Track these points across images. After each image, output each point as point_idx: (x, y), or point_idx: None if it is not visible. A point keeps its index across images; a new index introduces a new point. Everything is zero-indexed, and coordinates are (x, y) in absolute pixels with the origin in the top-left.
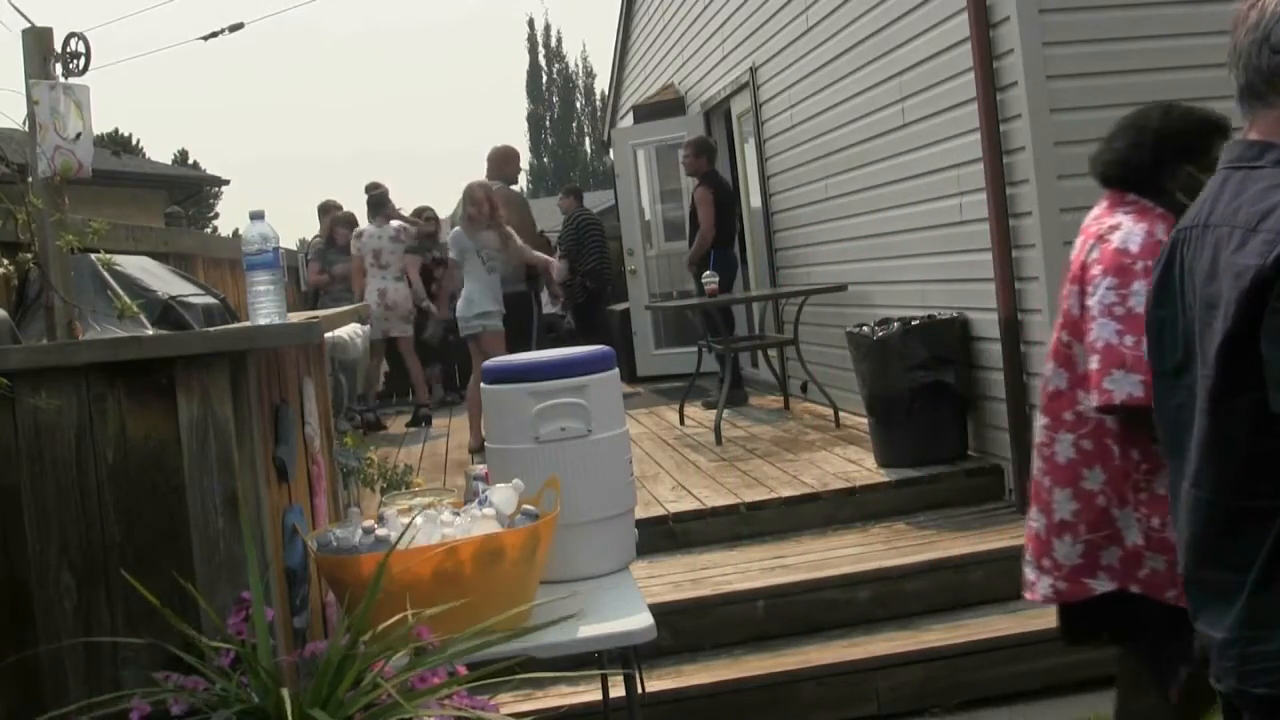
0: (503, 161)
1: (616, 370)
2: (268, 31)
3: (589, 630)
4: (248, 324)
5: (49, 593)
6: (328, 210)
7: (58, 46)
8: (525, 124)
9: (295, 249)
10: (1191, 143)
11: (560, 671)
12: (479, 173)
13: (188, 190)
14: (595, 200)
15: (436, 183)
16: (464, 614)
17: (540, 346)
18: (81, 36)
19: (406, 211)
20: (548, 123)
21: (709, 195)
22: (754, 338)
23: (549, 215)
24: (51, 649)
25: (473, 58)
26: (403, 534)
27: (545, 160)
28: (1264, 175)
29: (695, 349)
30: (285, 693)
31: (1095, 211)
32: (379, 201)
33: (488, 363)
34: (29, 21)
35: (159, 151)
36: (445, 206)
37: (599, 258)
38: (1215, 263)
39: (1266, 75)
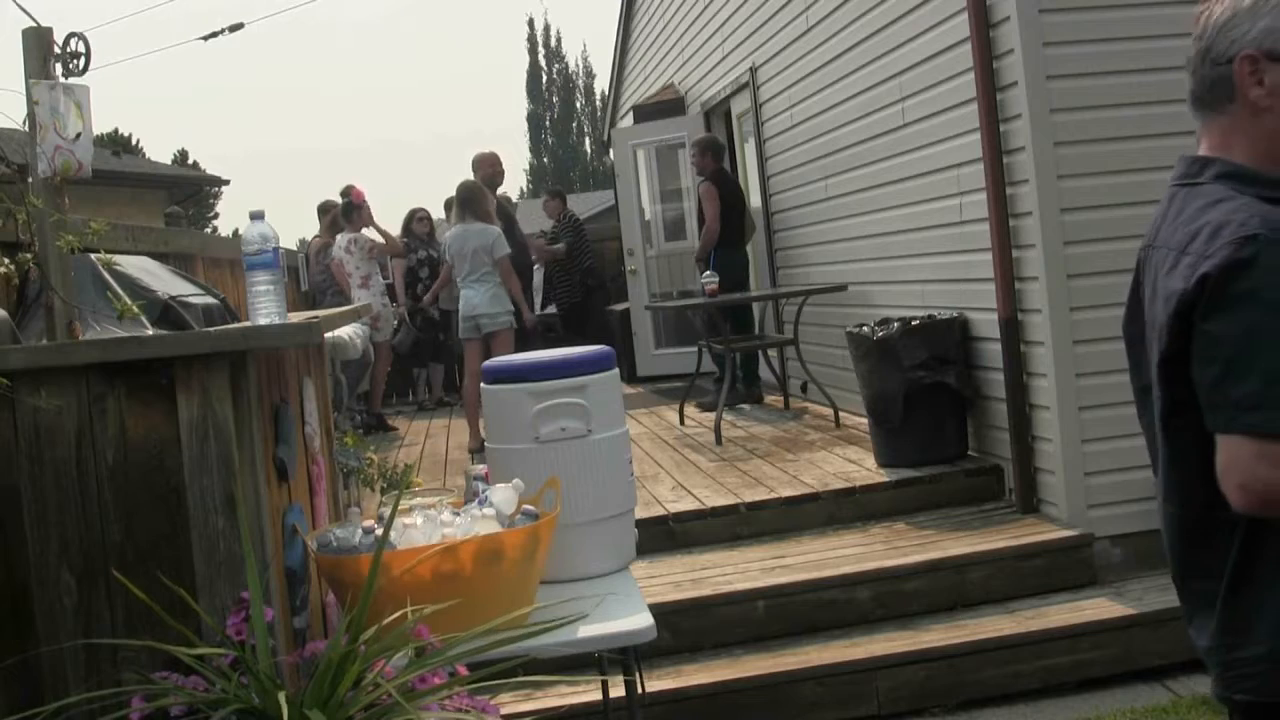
0: (481, 166)
1: (616, 370)
2: (267, 30)
3: (589, 630)
4: (248, 324)
5: (49, 593)
6: (327, 210)
7: (58, 46)
8: (525, 124)
9: (295, 249)
10: None
11: (560, 672)
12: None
13: (188, 190)
14: (595, 200)
15: (435, 180)
16: (464, 614)
17: (539, 346)
18: (81, 36)
19: (402, 212)
20: (548, 123)
21: (713, 190)
22: (754, 338)
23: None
24: (51, 649)
25: (473, 55)
26: (388, 530)
27: (545, 160)
28: (1203, 192)
29: (695, 349)
30: (282, 695)
31: None
32: (344, 211)
33: (488, 362)
34: (32, 19)
35: (159, 151)
36: (442, 203)
37: (593, 258)
38: (1155, 285)
39: (1209, 86)
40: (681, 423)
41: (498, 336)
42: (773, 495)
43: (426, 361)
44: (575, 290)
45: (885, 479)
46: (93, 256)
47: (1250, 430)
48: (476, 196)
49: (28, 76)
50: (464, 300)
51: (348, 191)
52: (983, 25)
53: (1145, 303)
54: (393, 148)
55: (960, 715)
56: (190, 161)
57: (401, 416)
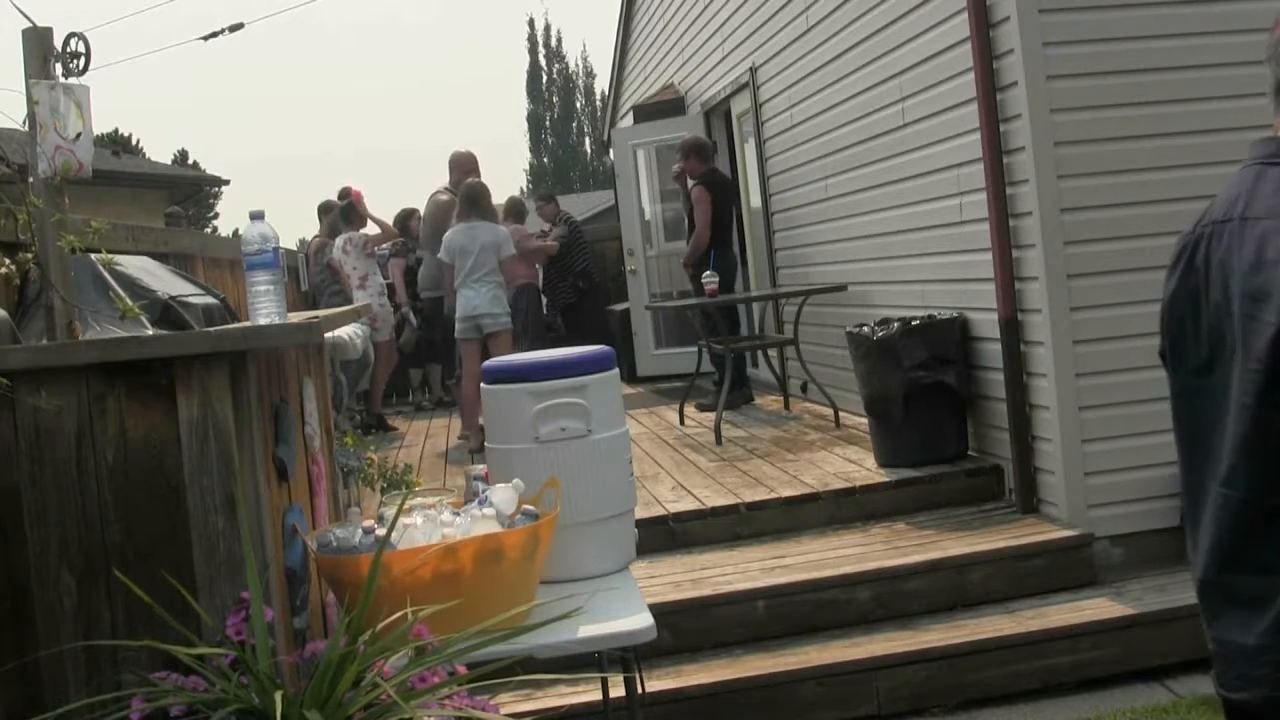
0: (460, 166)
1: (616, 370)
2: (267, 31)
3: (589, 630)
4: (248, 324)
5: (49, 593)
6: (328, 210)
7: (58, 46)
8: (525, 124)
9: (295, 249)
10: None
11: (560, 671)
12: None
13: (188, 190)
14: (595, 200)
15: (436, 181)
16: (464, 614)
17: (540, 346)
18: (81, 36)
19: (393, 212)
20: (548, 123)
21: (705, 195)
22: (754, 338)
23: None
24: (52, 651)
25: (473, 56)
26: (391, 530)
27: (545, 160)
28: None
29: (695, 349)
30: (279, 695)
31: None
32: (343, 214)
33: (488, 363)
34: (30, 21)
35: (159, 151)
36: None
37: (588, 259)
38: (1261, 255)
39: None
40: (681, 423)
41: (497, 337)
42: (773, 495)
43: (424, 362)
44: (570, 292)
45: (885, 479)
46: (93, 256)
47: None
48: (483, 195)
49: (28, 76)
50: (463, 300)
51: (346, 193)
52: (983, 25)
53: (1221, 276)
54: (393, 150)
55: (960, 715)
56: (190, 162)
57: (401, 416)
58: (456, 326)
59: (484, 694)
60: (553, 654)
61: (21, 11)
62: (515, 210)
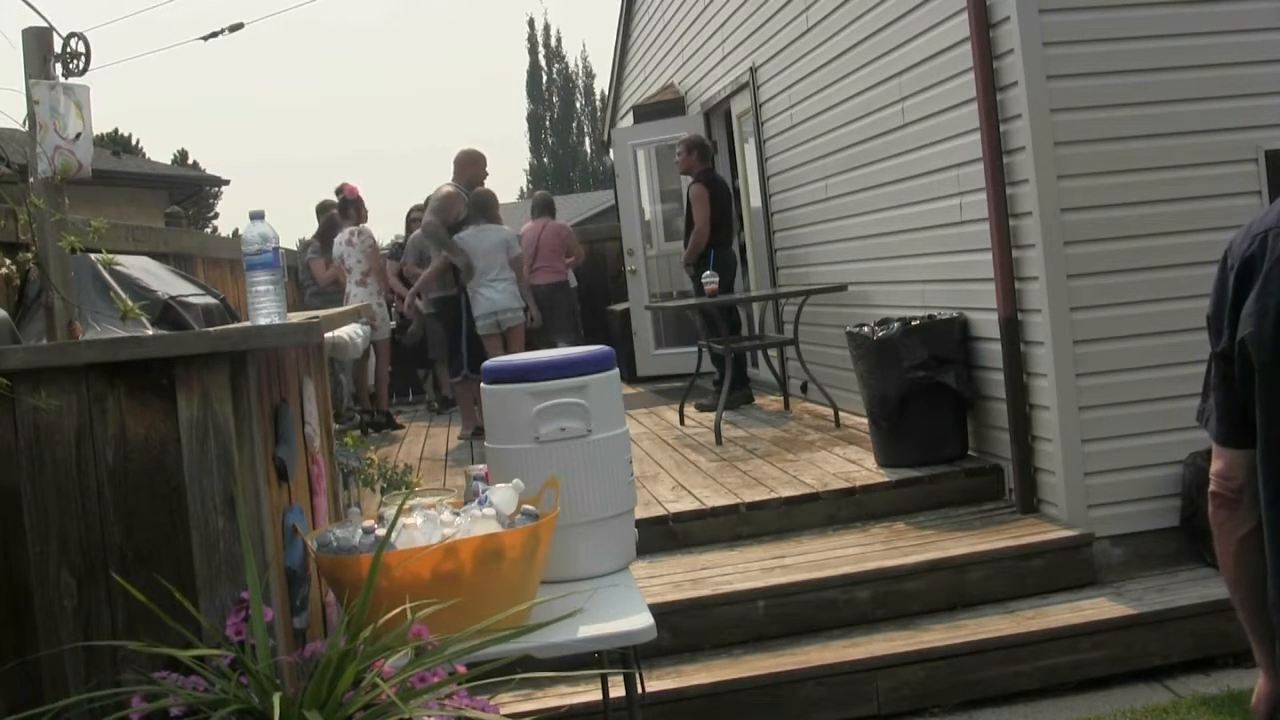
0: (467, 164)
1: (616, 370)
2: (267, 31)
3: (589, 630)
4: (248, 324)
5: (49, 593)
6: (326, 210)
7: (58, 46)
8: (525, 124)
9: (295, 249)
10: None
11: (560, 671)
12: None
13: (188, 190)
14: (595, 200)
15: (436, 181)
16: (464, 614)
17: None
18: (81, 36)
19: (402, 218)
20: (548, 123)
21: (704, 192)
22: (754, 338)
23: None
24: (52, 651)
25: (473, 56)
26: (391, 530)
27: (545, 160)
28: None
29: (695, 349)
30: (278, 695)
31: None
32: (341, 209)
33: (488, 363)
34: (43, 17)
35: (159, 151)
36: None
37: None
38: None
39: None
40: (681, 423)
41: (515, 330)
42: (773, 495)
43: (429, 361)
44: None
45: (885, 479)
46: (93, 256)
47: None
48: (490, 204)
49: (28, 76)
50: (483, 299)
51: (341, 189)
52: (983, 25)
53: None
54: (394, 150)
55: (960, 715)
56: (190, 162)
57: (401, 416)
58: (478, 323)
59: (484, 694)
60: (553, 654)
61: (34, 8)
62: (546, 205)
